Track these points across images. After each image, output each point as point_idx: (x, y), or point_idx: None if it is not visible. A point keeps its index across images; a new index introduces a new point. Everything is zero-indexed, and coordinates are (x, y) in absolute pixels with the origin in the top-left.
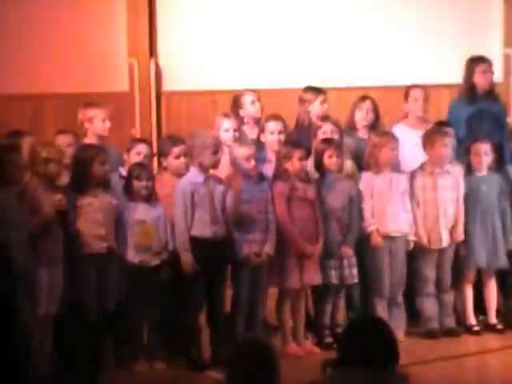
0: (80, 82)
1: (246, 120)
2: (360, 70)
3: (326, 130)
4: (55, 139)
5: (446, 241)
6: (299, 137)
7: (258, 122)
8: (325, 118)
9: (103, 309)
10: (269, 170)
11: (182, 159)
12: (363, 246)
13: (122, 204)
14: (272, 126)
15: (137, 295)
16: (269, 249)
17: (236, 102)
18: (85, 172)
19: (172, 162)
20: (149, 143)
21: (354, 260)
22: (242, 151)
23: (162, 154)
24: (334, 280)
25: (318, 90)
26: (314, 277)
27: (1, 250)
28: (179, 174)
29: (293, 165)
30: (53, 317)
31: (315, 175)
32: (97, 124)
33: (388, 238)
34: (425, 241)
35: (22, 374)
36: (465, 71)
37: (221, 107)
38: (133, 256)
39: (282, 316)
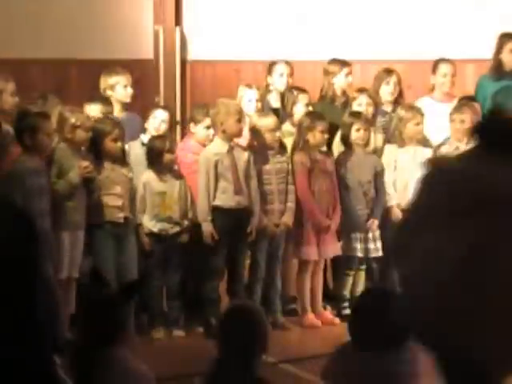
0: (105, 49)
1: (271, 88)
2: (385, 43)
3: (362, 102)
4: (84, 107)
5: None
6: (322, 109)
7: (282, 94)
8: (361, 89)
9: (123, 277)
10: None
11: (211, 131)
12: (385, 219)
13: (141, 174)
14: (305, 97)
15: (156, 263)
16: (287, 219)
17: (269, 68)
18: (99, 146)
19: (201, 130)
20: (169, 110)
21: (378, 233)
22: (266, 122)
23: (193, 120)
24: (359, 253)
25: (343, 63)
26: (332, 249)
27: (24, 213)
28: (204, 144)
29: (314, 137)
30: (76, 282)
31: (341, 148)
32: (119, 91)
33: None
34: None
35: (45, 335)
36: (495, 47)
37: (244, 77)
38: (152, 225)
39: (300, 286)
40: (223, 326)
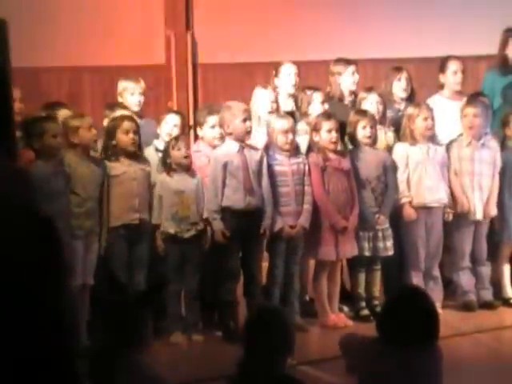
0: (117, 55)
1: (278, 90)
2: (395, 41)
3: (372, 101)
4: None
5: (480, 213)
6: (330, 109)
7: (291, 95)
8: (369, 88)
9: (135, 282)
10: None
11: (217, 129)
12: (398, 218)
13: (158, 175)
14: (318, 97)
15: (173, 266)
16: (304, 221)
17: (275, 70)
18: (112, 140)
19: (207, 131)
20: (182, 115)
21: (389, 232)
22: (281, 124)
23: (198, 124)
24: (367, 252)
25: (347, 61)
26: (349, 249)
27: (47, 220)
28: (214, 145)
29: (321, 137)
30: (91, 289)
31: (349, 146)
32: (127, 98)
33: (425, 209)
34: (466, 208)
35: (67, 347)
36: (500, 42)
37: (257, 79)
38: (168, 226)
39: (318, 287)
40: (249, 329)
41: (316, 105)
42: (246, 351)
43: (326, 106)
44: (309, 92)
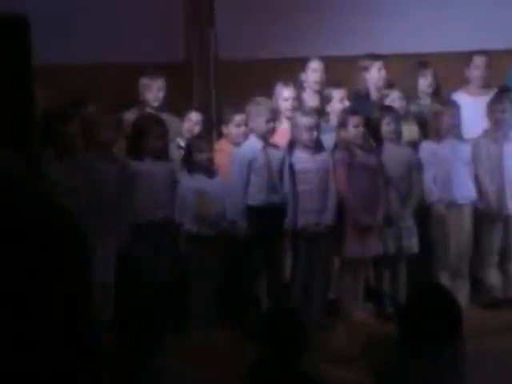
0: (136, 52)
1: (305, 86)
2: (420, 35)
3: (395, 98)
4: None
5: (509, 209)
6: (358, 105)
7: (317, 91)
8: (390, 85)
9: (159, 281)
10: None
11: (243, 128)
12: (426, 216)
13: (180, 175)
14: (340, 93)
15: (194, 264)
16: (328, 219)
17: (302, 65)
18: (140, 143)
19: (232, 129)
20: (203, 112)
21: (414, 230)
22: (305, 121)
23: (224, 121)
24: (392, 250)
25: (374, 57)
26: (374, 247)
27: (70, 213)
28: (238, 144)
29: (348, 132)
30: (112, 288)
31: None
32: (147, 95)
33: (454, 206)
34: (495, 204)
35: (90, 346)
36: None
37: (281, 76)
38: (191, 226)
39: (342, 285)
40: (261, 329)
41: (335, 103)
42: (259, 350)
43: (346, 103)
44: (327, 90)
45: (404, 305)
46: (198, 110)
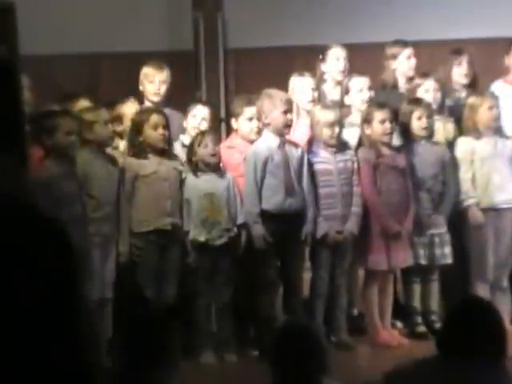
0: (139, 40)
1: (326, 77)
2: (453, 20)
3: (429, 88)
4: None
5: None
6: (384, 97)
7: (339, 82)
8: (425, 74)
9: (161, 293)
10: (354, 135)
11: (255, 122)
12: (462, 222)
13: (185, 176)
14: (359, 82)
15: (203, 277)
16: (352, 226)
17: (322, 54)
18: (138, 136)
19: (243, 123)
20: (211, 106)
21: (447, 237)
22: (326, 115)
23: (234, 115)
24: (423, 260)
25: (403, 43)
26: (403, 258)
27: (57, 224)
28: (250, 140)
29: (373, 129)
30: (112, 303)
31: (401, 140)
32: (146, 86)
33: (493, 210)
34: None
35: (86, 367)
36: None
37: (297, 65)
38: (198, 233)
39: (368, 300)
40: (275, 348)
41: (354, 93)
42: (272, 371)
43: (371, 94)
44: (346, 80)
45: (444, 322)
46: (204, 103)
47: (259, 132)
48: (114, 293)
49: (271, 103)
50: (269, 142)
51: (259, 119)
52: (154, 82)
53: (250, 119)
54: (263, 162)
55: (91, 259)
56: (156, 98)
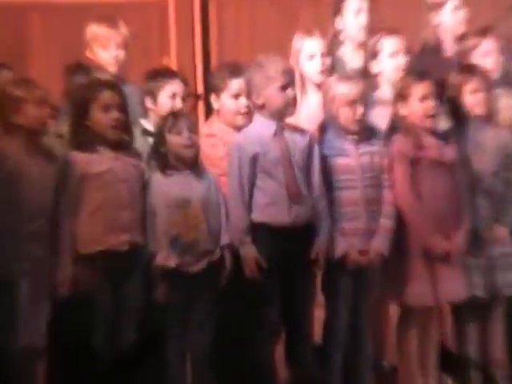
0: None
1: (342, 37)
2: None
3: (487, 50)
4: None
5: None
6: (425, 64)
7: (361, 44)
8: (484, 30)
9: (114, 339)
10: (384, 117)
11: (243, 100)
12: None
13: (149, 175)
14: (390, 43)
15: (174, 317)
16: (381, 244)
17: (335, 6)
18: (83, 121)
19: (227, 102)
20: (184, 78)
21: None
22: (344, 90)
23: (214, 91)
24: (480, 291)
25: None
26: (453, 288)
27: None
28: (237, 126)
29: (411, 108)
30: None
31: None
32: (98, 52)
33: None
34: None
35: None
36: None
37: (300, 21)
38: (167, 256)
39: (404, 347)
40: None
41: (383, 59)
42: None
43: (407, 60)
44: (371, 40)
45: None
46: (176, 74)
47: (249, 113)
48: (49, 341)
49: (264, 76)
50: (260, 129)
51: (249, 97)
52: (109, 45)
53: (237, 96)
54: (252, 160)
55: (15, 294)
56: (113, 68)
